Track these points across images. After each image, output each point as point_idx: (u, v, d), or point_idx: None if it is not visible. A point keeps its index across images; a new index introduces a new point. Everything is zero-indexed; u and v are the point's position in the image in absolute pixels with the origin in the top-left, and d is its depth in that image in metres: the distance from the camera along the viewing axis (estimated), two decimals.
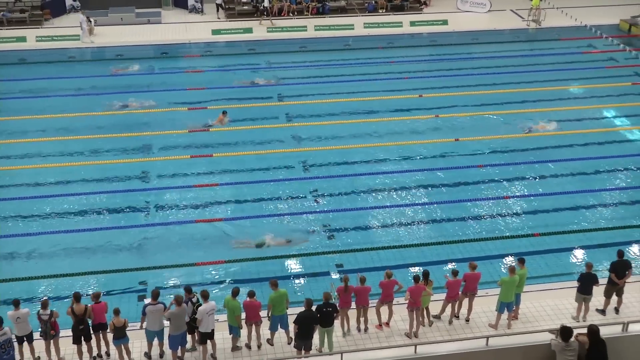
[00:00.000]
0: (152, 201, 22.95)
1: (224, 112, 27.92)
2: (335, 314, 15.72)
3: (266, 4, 40.22)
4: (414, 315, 16.16)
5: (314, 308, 15.44)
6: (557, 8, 42.39)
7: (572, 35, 38.75)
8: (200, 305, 15.33)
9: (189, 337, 15.76)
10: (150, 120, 28.32)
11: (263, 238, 20.74)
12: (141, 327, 15.46)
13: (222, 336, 16.07)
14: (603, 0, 43.62)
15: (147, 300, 15.48)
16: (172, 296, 15.51)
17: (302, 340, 15.44)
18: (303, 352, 15.54)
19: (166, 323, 15.37)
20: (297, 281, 19.15)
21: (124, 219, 21.97)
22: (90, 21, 37.50)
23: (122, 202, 22.78)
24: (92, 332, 15.38)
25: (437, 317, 16.90)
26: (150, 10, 40.75)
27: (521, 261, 16.60)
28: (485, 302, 17.10)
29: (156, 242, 20.84)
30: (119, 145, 26.12)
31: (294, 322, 15.41)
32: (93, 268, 19.37)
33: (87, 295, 17.06)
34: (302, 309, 15.47)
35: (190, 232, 21.20)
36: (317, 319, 15.38)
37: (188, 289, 15.75)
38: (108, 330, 15.38)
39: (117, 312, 15.12)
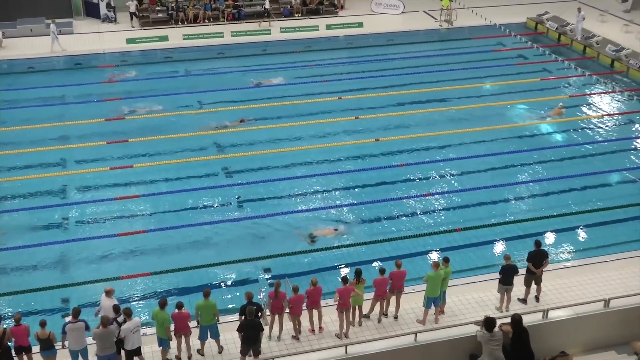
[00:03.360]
0: (71, 215, 22.37)
1: (242, 120, 28.40)
2: (259, 313, 15.77)
3: (267, 5, 40.29)
4: (344, 316, 16.32)
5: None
6: (468, 8, 43.58)
7: (483, 34, 39.88)
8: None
9: None
10: (67, 133, 27.61)
11: (311, 231, 21.28)
12: (63, 346, 15.10)
13: (151, 349, 15.84)
14: None
15: (68, 319, 15.11)
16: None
17: (249, 345, 15.37)
18: (252, 358, 15.50)
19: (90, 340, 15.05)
20: (226, 289, 19.04)
21: (41, 235, 21.26)
22: None
23: (39, 218, 22.10)
24: (14, 354, 14.92)
25: (366, 316, 17.10)
26: (61, 21, 39.37)
27: (445, 260, 16.94)
28: (413, 299, 17.42)
29: (77, 257, 20.33)
30: (34, 160, 25.34)
31: (237, 330, 15.36)
32: (11, 288, 18.74)
33: (8, 316, 16.60)
34: (234, 316, 15.41)
35: (112, 246, 20.75)
36: (261, 325, 15.39)
37: (116, 308, 15.42)
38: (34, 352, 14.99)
39: (42, 324, 14.78)
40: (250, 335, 15.24)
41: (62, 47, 36.22)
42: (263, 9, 40.79)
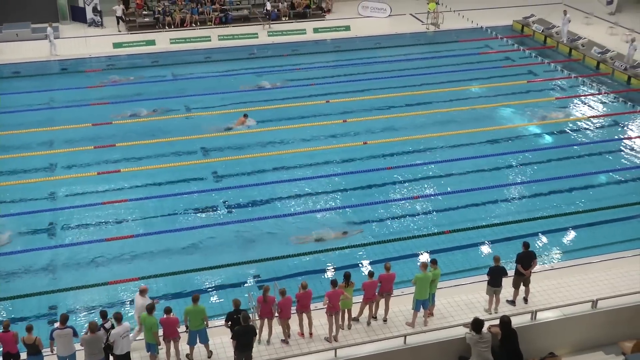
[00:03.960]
0: (59, 221, 22.23)
1: (245, 115, 28.32)
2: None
3: (268, 7, 40.50)
4: (333, 320, 16.31)
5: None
6: (454, 11, 43.76)
7: (470, 36, 40.06)
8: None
9: None
10: (54, 138, 27.46)
11: (320, 233, 21.34)
12: (52, 352, 15.00)
13: (140, 355, 15.77)
14: (497, 2, 45.38)
15: (56, 325, 15.03)
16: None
17: (242, 352, 15.32)
18: None
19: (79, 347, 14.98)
20: (214, 293, 19.00)
21: (28, 241, 21.16)
22: None
23: (27, 223, 21.95)
24: None
25: (356, 319, 17.10)
26: (47, 25, 39.39)
27: (434, 262, 16.96)
28: (402, 301, 17.44)
29: (65, 263, 20.21)
30: (21, 165, 25.20)
31: (231, 338, 15.33)
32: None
33: None
34: (221, 322, 15.32)
35: (100, 251, 20.66)
36: (254, 331, 15.38)
37: (103, 314, 15.35)
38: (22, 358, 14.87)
39: (28, 329, 14.73)
40: (246, 341, 15.19)
41: (54, 52, 36.03)
42: (264, 11, 40.85)
